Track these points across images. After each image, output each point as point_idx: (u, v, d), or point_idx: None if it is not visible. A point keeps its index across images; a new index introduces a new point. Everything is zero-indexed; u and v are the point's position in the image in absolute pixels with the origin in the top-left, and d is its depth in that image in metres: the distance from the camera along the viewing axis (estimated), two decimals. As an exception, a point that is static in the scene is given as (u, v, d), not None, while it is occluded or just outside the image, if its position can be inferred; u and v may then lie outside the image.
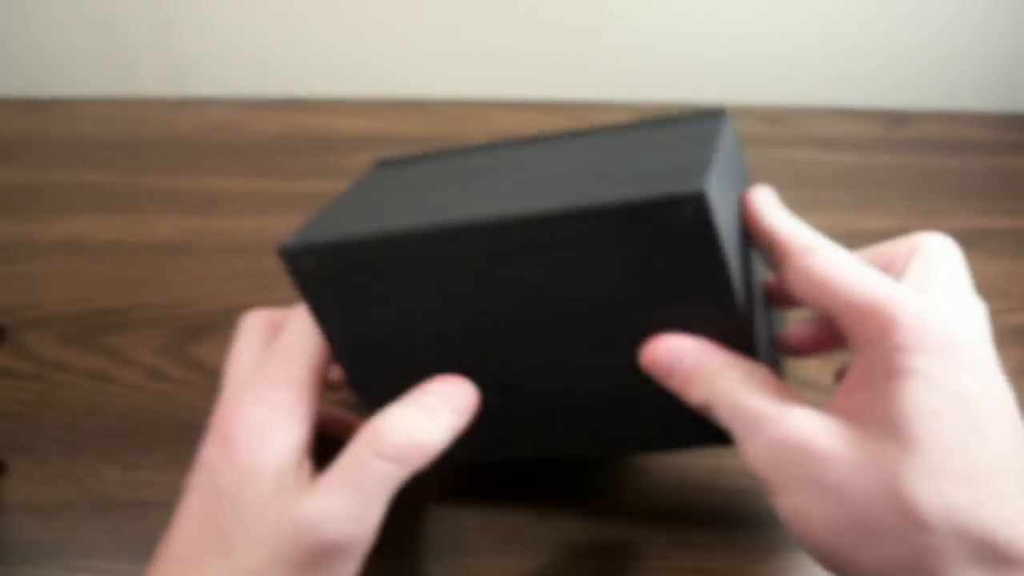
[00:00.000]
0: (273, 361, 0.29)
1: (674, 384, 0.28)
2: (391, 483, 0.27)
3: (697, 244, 0.25)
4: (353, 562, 0.27)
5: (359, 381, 0.31)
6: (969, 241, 0.51)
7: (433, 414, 0.28)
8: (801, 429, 0.24)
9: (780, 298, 0.33)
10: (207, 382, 0.42)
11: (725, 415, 0.27)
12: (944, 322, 0.24)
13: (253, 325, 0.32)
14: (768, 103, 0.63)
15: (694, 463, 0.39)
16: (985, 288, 0.48)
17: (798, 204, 0.54)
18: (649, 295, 0.26)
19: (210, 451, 0.28)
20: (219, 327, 0.45)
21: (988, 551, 0.21)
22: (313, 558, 0.26)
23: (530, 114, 0.61)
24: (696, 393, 0.27)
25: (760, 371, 0.27)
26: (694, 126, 0.33)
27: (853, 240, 0.51)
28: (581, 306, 0.27)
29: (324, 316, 0.29)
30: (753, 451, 0.25)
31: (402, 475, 0.27)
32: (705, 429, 0.29)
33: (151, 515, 0.36)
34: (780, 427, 0.25)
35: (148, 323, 0.45)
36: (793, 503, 0.24)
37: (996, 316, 0.46)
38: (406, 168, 0.36)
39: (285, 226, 0.51)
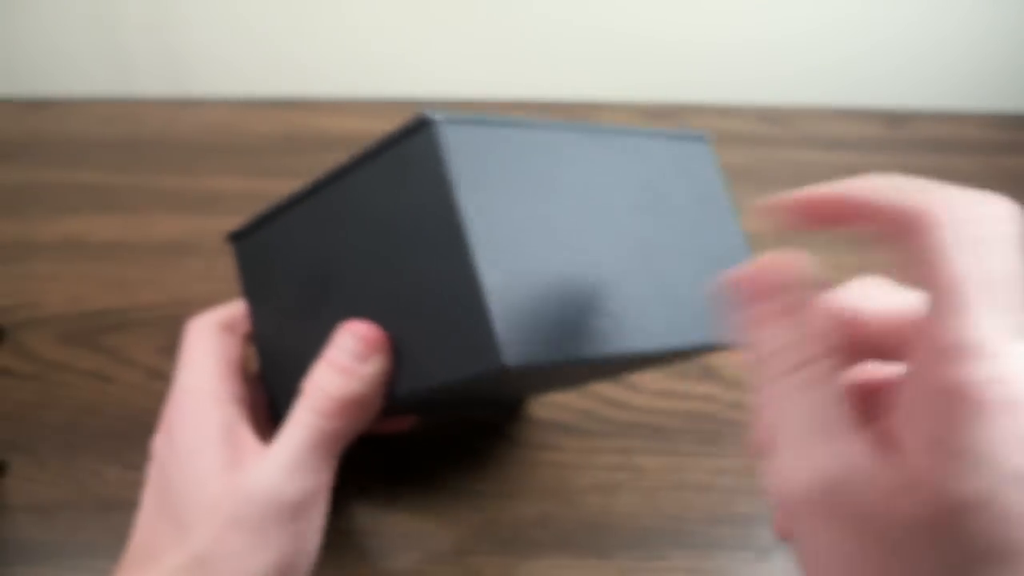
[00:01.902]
0: (188, 359, 0.32)
1: (759, 314, 0.21)
2: (330, 438, 0.28)
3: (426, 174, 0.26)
4: (307, 521, 0.28)
5: (263, 361, 0.33)
6: (969, 241, 0.51)
7: (337, 366, 0.28)
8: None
9: None
10: (207, 382, 0.42)
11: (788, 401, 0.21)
12: None
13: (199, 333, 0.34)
14: (768, 103, 0.63)
15: (694, 463, 0.39)
16: (985, 288, 0.48)
17: (798, 204, 0.54)
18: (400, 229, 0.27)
19: (155, 443, 0.31)
20: (219, 327, 0.45)
21: None
22: (270, 519, 0.27)
23: (530, 114, 0.61)
24: (752, 347, 0.22)
25: (836, 380, 0.20)
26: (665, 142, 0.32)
27: (853, 240, 0.51)
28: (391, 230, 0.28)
29: (247, 294, 0.33)
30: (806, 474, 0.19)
31: (338, 428, 0.28)
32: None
33: (151, 515, 0.36)
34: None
35: (148, 323, 0.45)
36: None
37: (996, 316, 0.46)
38: None
39: (285, 226, 0.51)
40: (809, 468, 0.19)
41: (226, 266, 0.49)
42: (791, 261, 0.22)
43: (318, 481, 0.28)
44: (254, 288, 0.33)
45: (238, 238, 0.34)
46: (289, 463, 0.28)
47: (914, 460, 0.18)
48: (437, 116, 0.25)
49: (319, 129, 0.60)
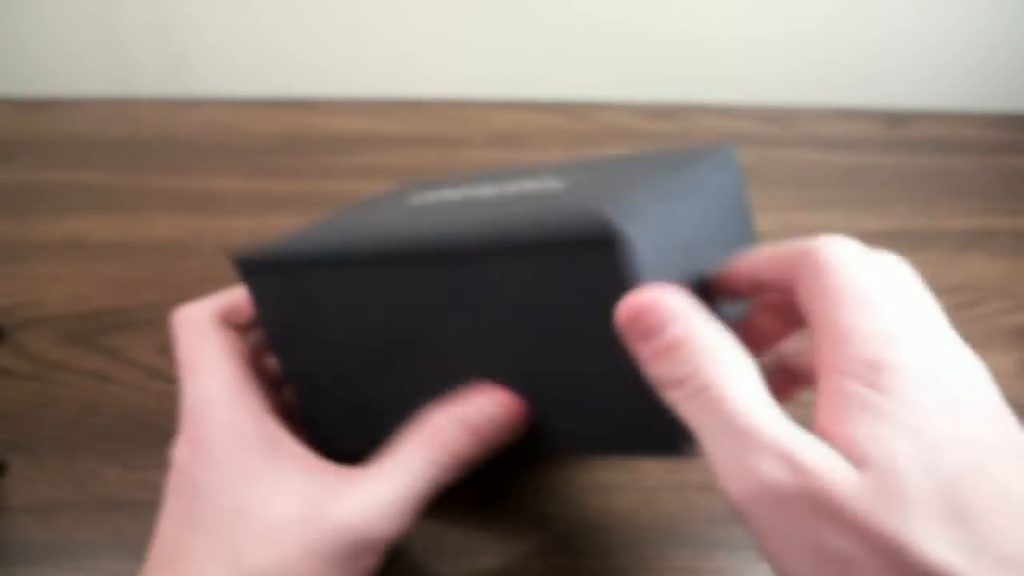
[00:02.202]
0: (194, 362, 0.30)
1: (644, 353, 0.23)
2: (436, 490, 0.28)
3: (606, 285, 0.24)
4: (377, 560, 0.28)
5: (306, 395, 0.31)
6: (969, 241, 0.51)
7: (470, 427, 0.28)
8: (820, 473, 0.20)
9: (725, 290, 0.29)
10: (207, 382, 0.42)
11: (702, 421, 0.22)
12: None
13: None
14: (768, 103, 0.63)
15: (694, 463, 0.39)
16: (985, 288, 0.48)
17: (798, 204, 0.54)
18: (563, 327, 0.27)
19: (177, 454, 0.29)
20: (219, 327, 0.45)
21: None
22: (350, 553, 0.26)
23: (530, 114, 0.61)
24: (668, 372, 0.23)
25: (755, 370, 0.23)
26: (691, 158, 0.32)
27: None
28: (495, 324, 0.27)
29: (270, 328, 0.31)
30: (739, 486, 0.21)
31: (447, 482, 0.28)
32: (652, 435, 0.27)
33: (151, 515, 0.36)
34: (784, 461, 0.20)
35: (148, 323, 0.45)
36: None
37: (996, 316, 0.46)
38: (406, 191, 0.37)
39: (285, 226, 0.51)
40: (743, 478, 0.21)
41: (226, 266, 0.49)
42: (666, 296, 0.23)
43: (407, 526, 0.28)
44: (282, 319, 0.30)
45: (256, 271, 0.30)
46: (391, 506, 0.27)
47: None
48: (621, 226, 0.23)
49: (319, 129, 0.60)
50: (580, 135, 0.58)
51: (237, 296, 0.32)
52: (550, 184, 0.31)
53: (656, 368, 0.23)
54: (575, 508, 0.37)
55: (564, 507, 0.36)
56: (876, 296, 0.22)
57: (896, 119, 0.61)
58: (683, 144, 0.59)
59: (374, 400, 0.29)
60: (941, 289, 0.48)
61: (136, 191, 0.54)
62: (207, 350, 0.30)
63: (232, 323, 0.32)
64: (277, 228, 0.51)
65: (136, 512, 0.36)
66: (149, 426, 0.40)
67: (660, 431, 0.26)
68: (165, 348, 0.44)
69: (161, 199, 0.53)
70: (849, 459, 0.20)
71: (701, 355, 0.22)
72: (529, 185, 0.32)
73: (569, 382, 0.27)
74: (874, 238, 0.52)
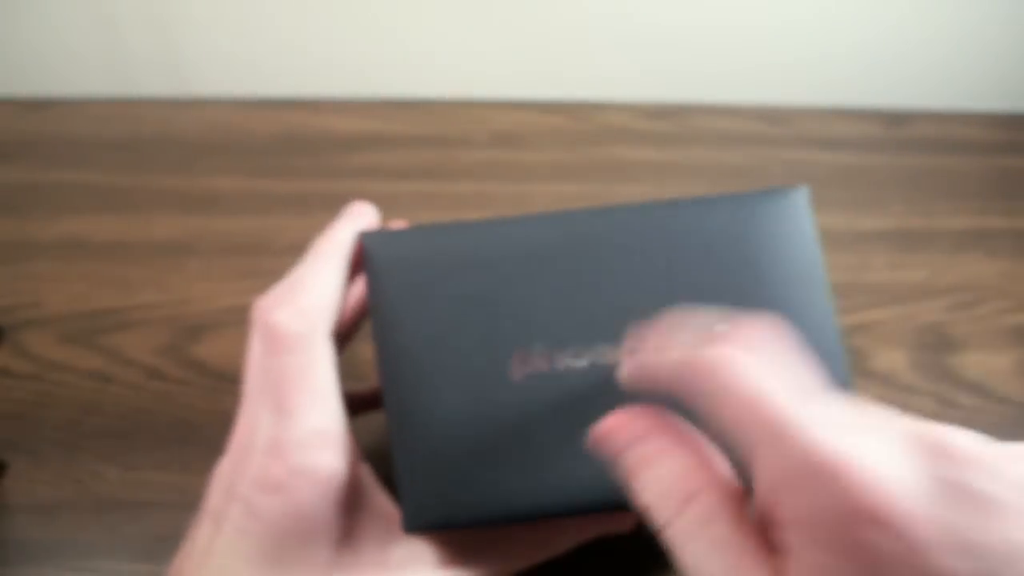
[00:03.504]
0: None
1: (619, 472, 0.22)
2: None
3: None
4: None
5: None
6: (968, 241, 0.51)
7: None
8: None
9: None
10: (206, 382, 0.42)
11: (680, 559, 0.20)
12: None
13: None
14: (768, 103, 0.63)
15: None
16: (984, 288, 0.48)
17: (798, 204, 0.54)
18: None
19: (254, 486, 0.24)
20: (219, 327, 0.45)
21: None
22: None
23: (530, 114, 0.61)
24: (640, 497, 0.21)
25: (733, 506, 0.20)
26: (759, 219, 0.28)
27: (853, 240, 0.51)
28: None
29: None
30: None
31: None
32: None
33: (151, 515, 0.36)
34: None
35: (148, 323, 0.45)
36: None
37: (996, 316, 0.46)
38: (437, 280, 0.27)
39: (285, 226, 0.51)
40: None
41: (226, 266, 0.49)
42: (644, 410, 0.22)
43: None
44: None
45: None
46: None
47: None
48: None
49: (319, 129, 0.60)
50: (580, 135, 0.58)
51: (337, 288, 0.27)
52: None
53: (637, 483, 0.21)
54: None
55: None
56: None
57: (895, 119, 0.61)
58: (683, 143, 0.59)
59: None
60: (939, 289, 0.48)
61: (136, 191, 0.54)
62: (317, 377, 0.25)
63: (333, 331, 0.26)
64: (277, 228, 0.51)
65: (136, 512, 0.37)
66: (149, 426, 0.40)
67: None
68: (165, 348, 0.44)
69: (161, 199, 0.53)
70: None
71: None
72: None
73: None
74: (873, 238, 0.52)
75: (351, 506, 0.25)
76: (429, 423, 0.25)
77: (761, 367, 0.19)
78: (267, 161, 0.57)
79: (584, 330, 0.26)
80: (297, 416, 0.24)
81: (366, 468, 0.27)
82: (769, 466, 0.18)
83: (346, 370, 0.27)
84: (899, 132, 0.61)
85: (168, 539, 0.30)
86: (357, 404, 0.31)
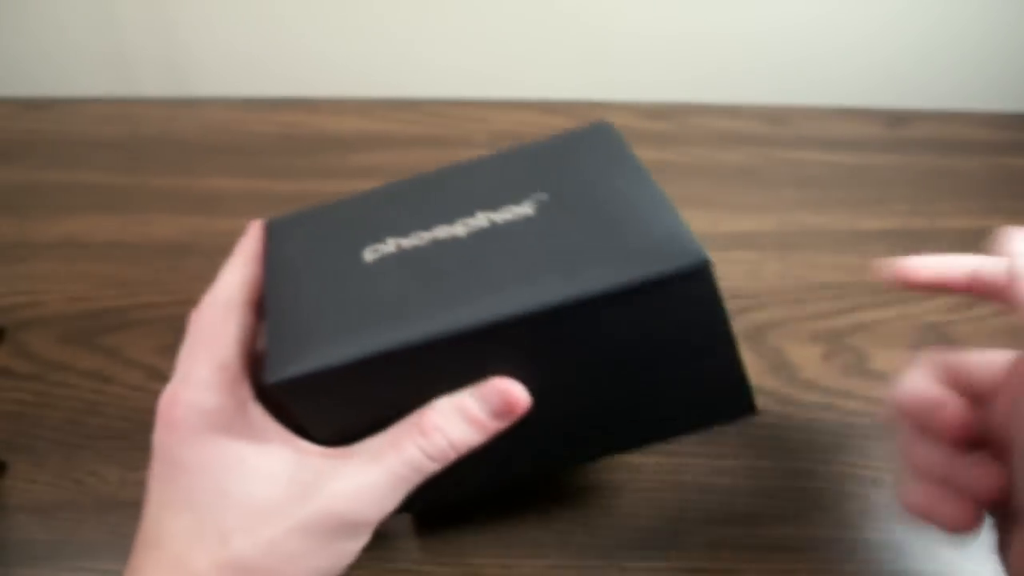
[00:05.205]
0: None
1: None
2: (424, 476, 0.28)
3: (703, 304, 0.28)
4: (361, 540, 0.28)
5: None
6: (969, 241, 0.51)
7: (470, 417, 0.28)
8: None
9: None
10: (207, 382, 0.42)
11: None
12: None
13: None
14: (768, 103, 0.63)
15: (694, 463, 0.39)
16: (985, 288, 0.48)
17: (798, 204, 0.54)
18: (655, 347, 0.29)
19: (158, 436, 0.28)
20: (219, 327, 0.45)
21: None
22: (338, 534, 0.27)
23: (530, 114, 0.61)
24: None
25: None
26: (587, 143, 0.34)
27: (854, 240, 0.51)
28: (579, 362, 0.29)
29: (309, 419, 0.29)
30: None
31: (436, 470, 0.28)
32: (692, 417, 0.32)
33: (151, 515, 0.36)
34: None
35: (148, 323, 0.45)
36: None
37: (996, 316, 0.46)
38: (314, 229, 0.34)
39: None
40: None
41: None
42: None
43: (392, 509, 0.28)
44: (324, 409, 0.29)
45: (297, 391, 0.28)
46: (381, 489, 0.27)
47: None
48: (704, 255, 0.27)
49: (319, 129, 0.60)
50: (580, 135, 0.58)
51: (243, 271, 0.32)
52: (517, 210, 0.31)
53: None
54: (575, 508, 0.37)
55: (564, 507, 0.36)
56: None
57: (896, 119, 0.61)
58: (683, 143, 0.59)
59: (395, 412, 0.29)
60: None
61: (136, 191, 0.54)
62: (215, 335, 0.30)
63: (253, 300, 0.31)
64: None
65: (136, 512, 0.36)
66: (149, 426, 0.40)
67: (744, 396, 0.31)
68: (165, 348, 0.44)
69: (161, 199, 0.53)
70: None
71: None
72: (496, 217, 0.31)
73: (647, 390, 0.31)
74: (873, 238, 0.52)
75: (251, 439, 0.28)
76: (291, 306, 0.30)
77: None
78: (267, 161, 0.57)
79: (424, 220, 0.31)
80: (193, 366, 0.29)
81: (260, 408, 0.29)
82: None
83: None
84: (900, 132, 0.61)
85: (168, 539, 0.30)
86: None
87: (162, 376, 0.42)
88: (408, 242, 0.31)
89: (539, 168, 0.33)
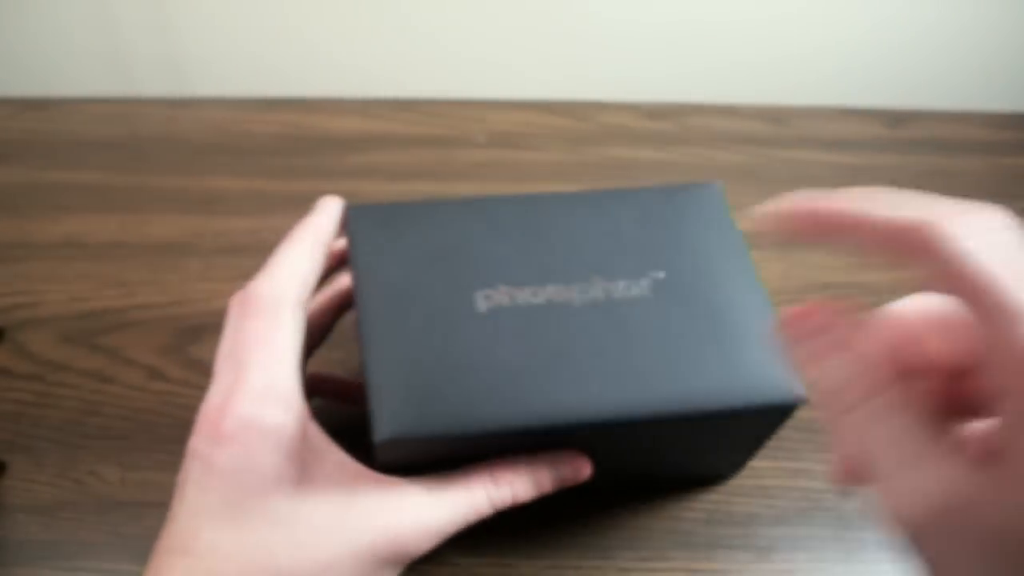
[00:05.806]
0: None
1: (794, 357, 0.21)
2: (478, 519, 0.29)
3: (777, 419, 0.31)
4: (404, 568, 0.29)
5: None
6: (969, 241, 0.51)
7: (536, 481, 0.30)
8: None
9: None
10: (206, 382, 0.42)
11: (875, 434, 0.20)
12: None
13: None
14: (768, 103, 0.63)
15: (694, 463, 0.39)
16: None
17: (798, 204, 0.54)
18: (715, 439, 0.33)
19: (202, 446, 0.27)
20: (219, 327, 0.45)
21: None
22: (392, 563, 0.27)
23: (530, 114, 0.61)
24: (821, 381, 0.21)
25: (920, 400, 0.20)
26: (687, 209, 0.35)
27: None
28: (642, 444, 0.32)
29: (385, 456, 0.29)
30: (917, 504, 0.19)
31: (490, 514, 0.29)
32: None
33: (151, 515, 0.36)
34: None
35: (148, 323, 0.45)
36: None
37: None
38: (412, 243, 0.32)
39: (285, 226, 0.51)
40: (918, 495, 0.18)
41: (226, 266, 0.49)
42: (838, 301, 0.22)
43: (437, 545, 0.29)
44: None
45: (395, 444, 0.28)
46: (441, 525, 0.28)
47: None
48: (796, 394, 0.30)
49: (319, 129, 0.60)
50: (580, 135, 0.58)
51: (311, 264, 0.30)
52: (635, 288, 0.31)
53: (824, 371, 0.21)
54: (576, 508, 0.37)
55: (565, 507, 0.36)
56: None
57: (896, 119, 0.61)
58: (683, 143, 0.59)
59: (465, 459, 0.30)
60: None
61: (136, 191, 0.54)
62: (276, 340, 0.27)
63: (312, 295, 0.30)
64: (277, 228, 0.51)
65: (136, 512, 0.36)
66: (149, 426, 0.40)
67: (733, 474, 0.38)
68: (165, 348, 0.44)
69: (161, 199, 0.53)
70: None
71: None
72: (612, 289, 0.31)
73: (677, 461, 0.35)
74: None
75: (304, 459, 0.27)
76: (401, 345, 0.29)
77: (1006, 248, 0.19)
78: (266, 161, 0.57)
79: (539, 274, 0.31)
80: (250, 373, 0.26)
81: (316, 427, 0.28)
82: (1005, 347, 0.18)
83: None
84: (900, 132, 0.61)
85: (168, 539, 0.30)
86: (341, 393, 0.35)
87: (162, 376, 0.42)
88: (522, 296, 0.30)
89: (650, 234, 0.33)
